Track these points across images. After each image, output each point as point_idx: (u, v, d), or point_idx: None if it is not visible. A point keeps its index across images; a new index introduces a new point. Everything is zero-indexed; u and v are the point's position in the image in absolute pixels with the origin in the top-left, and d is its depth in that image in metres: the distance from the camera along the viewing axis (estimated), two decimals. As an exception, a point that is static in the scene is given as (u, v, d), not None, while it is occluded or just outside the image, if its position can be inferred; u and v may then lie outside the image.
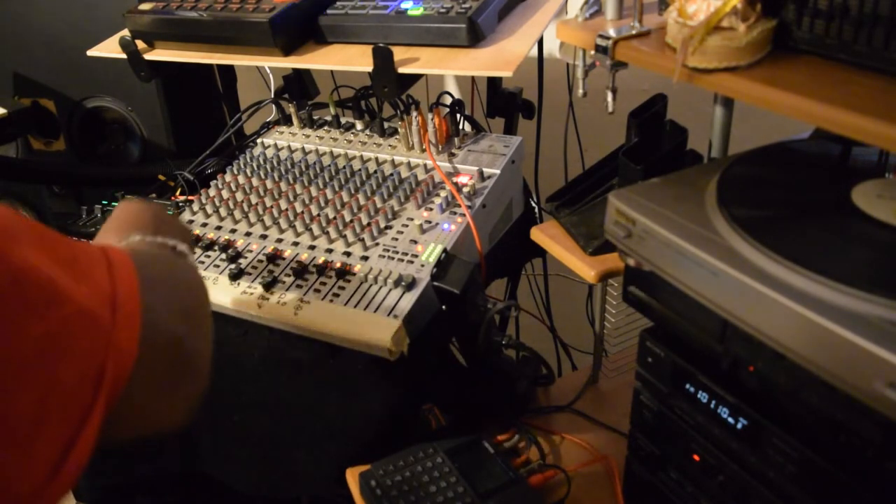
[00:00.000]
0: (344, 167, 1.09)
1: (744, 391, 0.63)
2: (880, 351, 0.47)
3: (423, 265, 0.90)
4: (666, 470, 0.76)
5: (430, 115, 1.05)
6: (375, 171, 1.07)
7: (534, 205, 1.15)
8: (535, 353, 1.01)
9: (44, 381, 0.38)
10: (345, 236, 0.96)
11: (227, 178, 1.13)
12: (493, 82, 1.16)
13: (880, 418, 0.49)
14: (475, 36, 0.95)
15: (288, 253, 0.97)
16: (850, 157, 0.72)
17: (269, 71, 1.48)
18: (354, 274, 0.91)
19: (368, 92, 1.17)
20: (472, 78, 1.22)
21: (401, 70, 0.95)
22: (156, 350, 0.46)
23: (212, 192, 1.11)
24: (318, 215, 1.01)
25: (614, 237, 0.69)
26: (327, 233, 0.97)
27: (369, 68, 0.97)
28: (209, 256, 0.99)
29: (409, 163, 1.06)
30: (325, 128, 1.21)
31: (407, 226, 0.96)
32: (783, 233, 0.59)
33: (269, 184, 1.10)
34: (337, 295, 0.89)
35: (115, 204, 1.16)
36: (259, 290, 0.92)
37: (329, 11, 1.05)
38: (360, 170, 1.07)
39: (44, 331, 0.38)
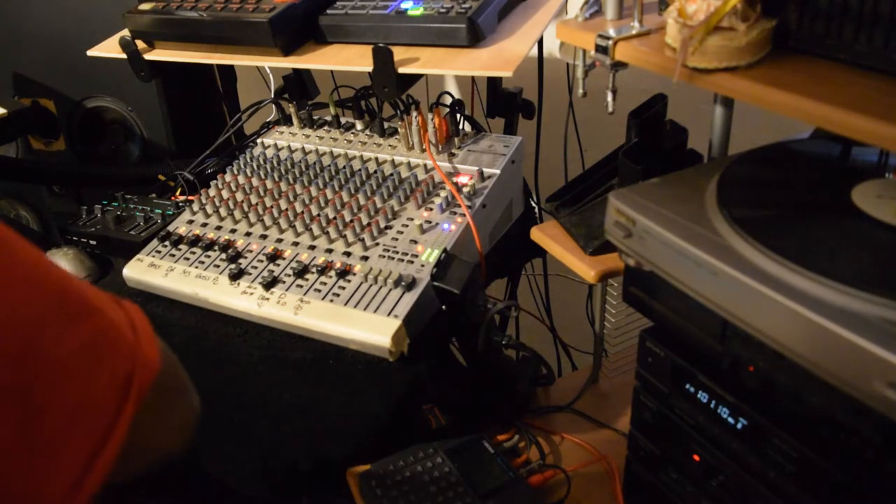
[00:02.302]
0: (344, 167, 1.09)
1: (744, 391, 0.63)
2: (880, 351, 0.47)
3: (423, 265, 0.90)
4: (666, 470, 0.76)
5: (430, 115, 1.05)
6: (375, 171, 1.07)
7: (534, 205, 1.15)
8: (535, 353, 1.01)
9: (81, 386, 0.40)
10: (345, 236, 0.96)
11: (227, 178, 1.13)
12: (493, 82, 1.16)
13: (880, 418, 0.49)
14: (475, 36, 0.95)
15: (288, 253, 0.97)
16: (850, 157, 0.72)
17: (269, 71, 1.48)
18: (354, 274, 0.91)
19: (368, 92, 1.17)
20: (472, 78, 1.22)
21: (401, 70, 0.95)
22: (161, 373, 0.47)
23: (212, 192, 1.11)
24: (318, 215, 1.01)
25: (614, 237, 0.69)
26: (327, 233, 0.97)
27: (369, 68, 0.97)
28: (209, 256, 0.99)
29: (409, 163, 1.06)
30: (325, 128, 1.21)
31: (407, 226, 0.96)
32: (783, 233, 0.59)
33: (269, 184, 1.10)
34: (337, 295, 0.89)
35: (116, 204, 1.16)
36: (259, 290, 0.92)
37: (329, 11, 1.05)
38: (360, 170, 1.07)
39: (83, 337, 0.41)
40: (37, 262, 0.41)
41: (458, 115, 1.11)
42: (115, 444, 0.41)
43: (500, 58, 0.93)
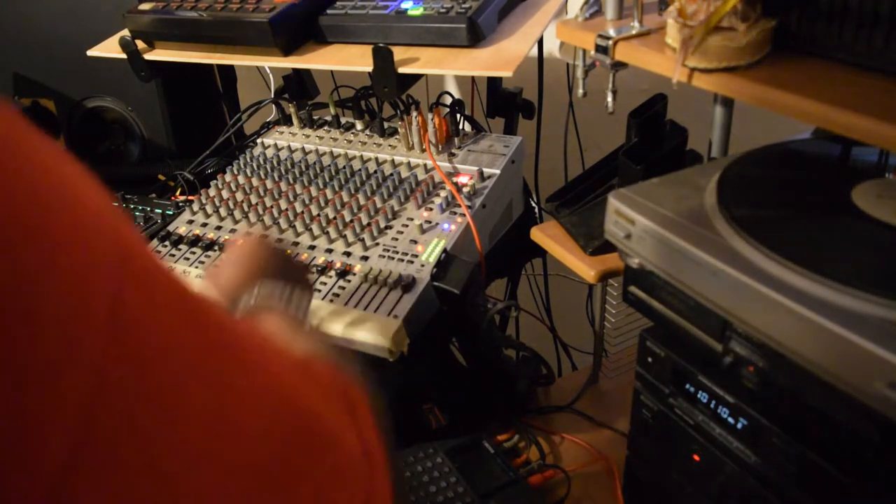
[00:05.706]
0: (344, 167, 1.09)
1: (744, 391, 0.63)
2: (880, 351, 0.47)
3: (423, 265, 0.90)
4: (666, 470, 0.76)
5: (430, 115, 1.05)
6: (375, 171, 1.07)
7: (534, 205, 1.15)
8: (535, 353, 1.01)
9: None
10: (345, 236, 0.96)
11: (227, 178, 1.13)
12: (493, 82, 1.16)
13: (880, 418, 0.49)
14: (475, 36, 0.95)
15: (288, 253, 0.97)
16: (850, 157, 0.72)
17: (269, 71, 1.48)
18: (354, 274, 0.91)
19: (368, 92, 1.17)
20: (472, 78, 1.22)
21: (401, 70, 0.95)
22: None
23: (212, 192, 1.11)
24: (318, 215, 1.01)
25: (614, 237, 0.69)
26: (327, 233, 0.97)
27: (369, 68, 0.97)
28: (209, 256, 0.99)
29: (409, 163, 1.06)
30: (325, 128, 1.21)
31: (407, 226, 0.96)
32: (783, 233, 0.59)
33: (269, 184, 1.10)
34: (337, 295, 0.89)
35: (115, 204, 1.17)
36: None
37: (329, 11, 1.05)
38: (360, 170, 1.07)
39: (320, 475, 0.38)
40: (279, 371, 0.37)
41: (458, 115, 1.11)
42: None
43: (500, 58, 0.93)
